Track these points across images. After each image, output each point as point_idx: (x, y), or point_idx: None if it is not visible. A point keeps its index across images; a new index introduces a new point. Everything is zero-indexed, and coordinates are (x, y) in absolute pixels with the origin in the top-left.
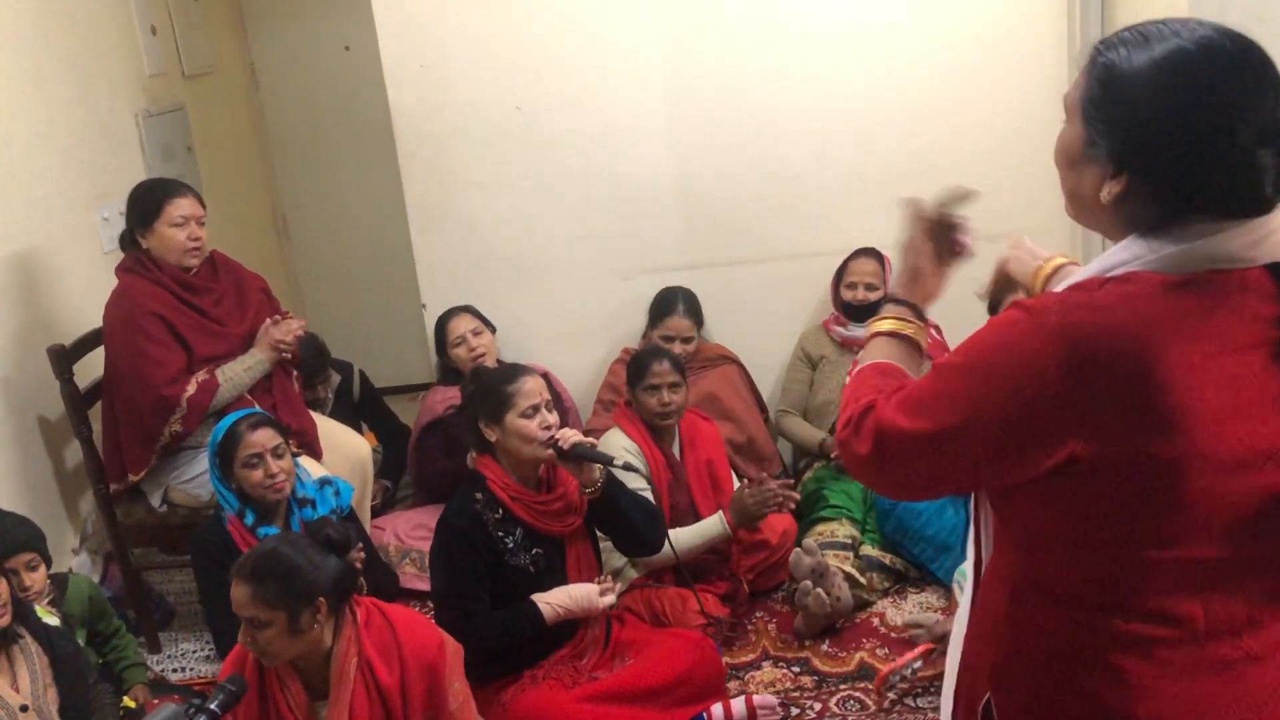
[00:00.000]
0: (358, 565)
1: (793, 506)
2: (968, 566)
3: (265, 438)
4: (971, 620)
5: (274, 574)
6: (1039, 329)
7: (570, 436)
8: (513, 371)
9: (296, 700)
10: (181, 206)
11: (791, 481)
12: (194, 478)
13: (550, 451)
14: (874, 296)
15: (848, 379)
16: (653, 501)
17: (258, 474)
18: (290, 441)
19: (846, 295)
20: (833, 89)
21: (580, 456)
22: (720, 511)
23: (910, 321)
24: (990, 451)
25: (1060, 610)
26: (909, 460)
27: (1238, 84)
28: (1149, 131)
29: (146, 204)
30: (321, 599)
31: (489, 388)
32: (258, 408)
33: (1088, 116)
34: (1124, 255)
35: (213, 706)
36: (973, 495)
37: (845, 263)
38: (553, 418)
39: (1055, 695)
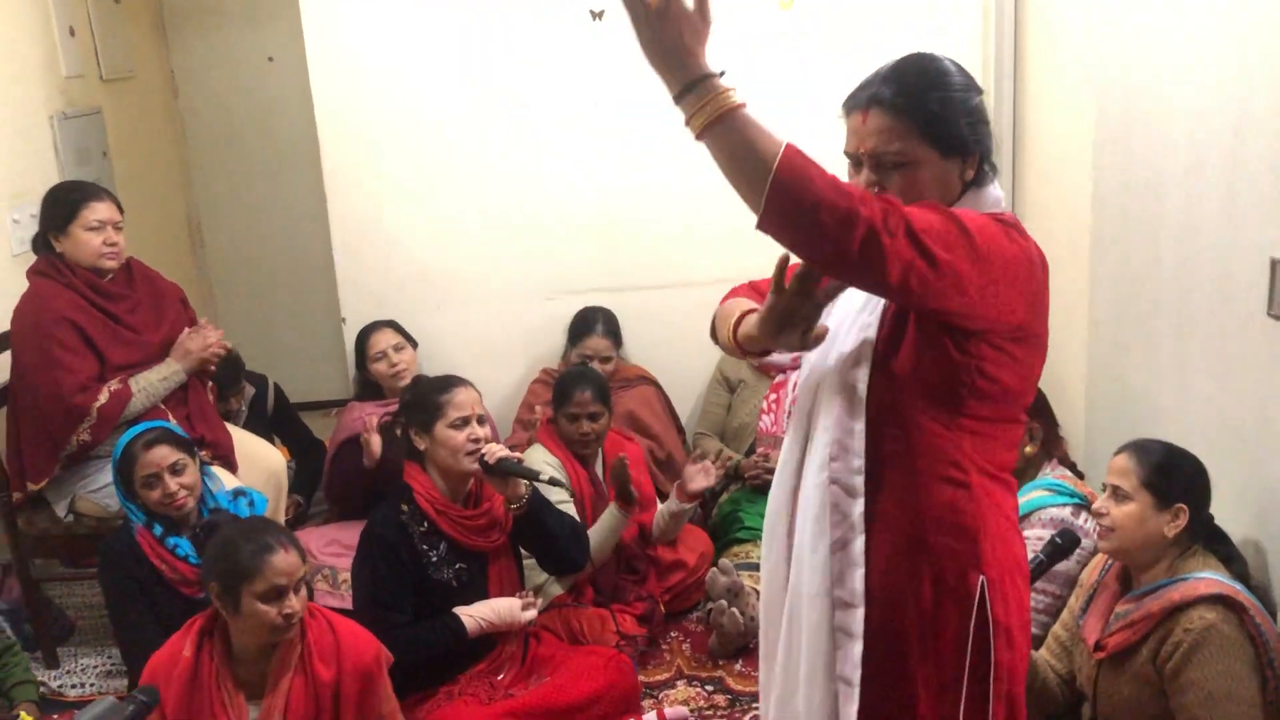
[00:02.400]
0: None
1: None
2: (828, 499)
3: (160, 456)
4: (900, 537)
5: None
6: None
7: (496, 451)
8: (447, 382)
9: (232, 699)
10: (98, 210)
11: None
12: (103, 487)
13: (476, 466)
14: None
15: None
16: (576, 518)
17: (156, 493)
18: (204, 452)
19: None
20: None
21: (506, 471)
22: (611, 505)
23: (726, 89)
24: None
25: (1000, 482)
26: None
27: (961, 69)
28: (979, 114)
29: (62, 206)
30: None
31: (422, 396)
32: (161, 422)
33: (940, 137)
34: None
35: (125, 717)
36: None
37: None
38: (482, 431)
39: (1014, 551)
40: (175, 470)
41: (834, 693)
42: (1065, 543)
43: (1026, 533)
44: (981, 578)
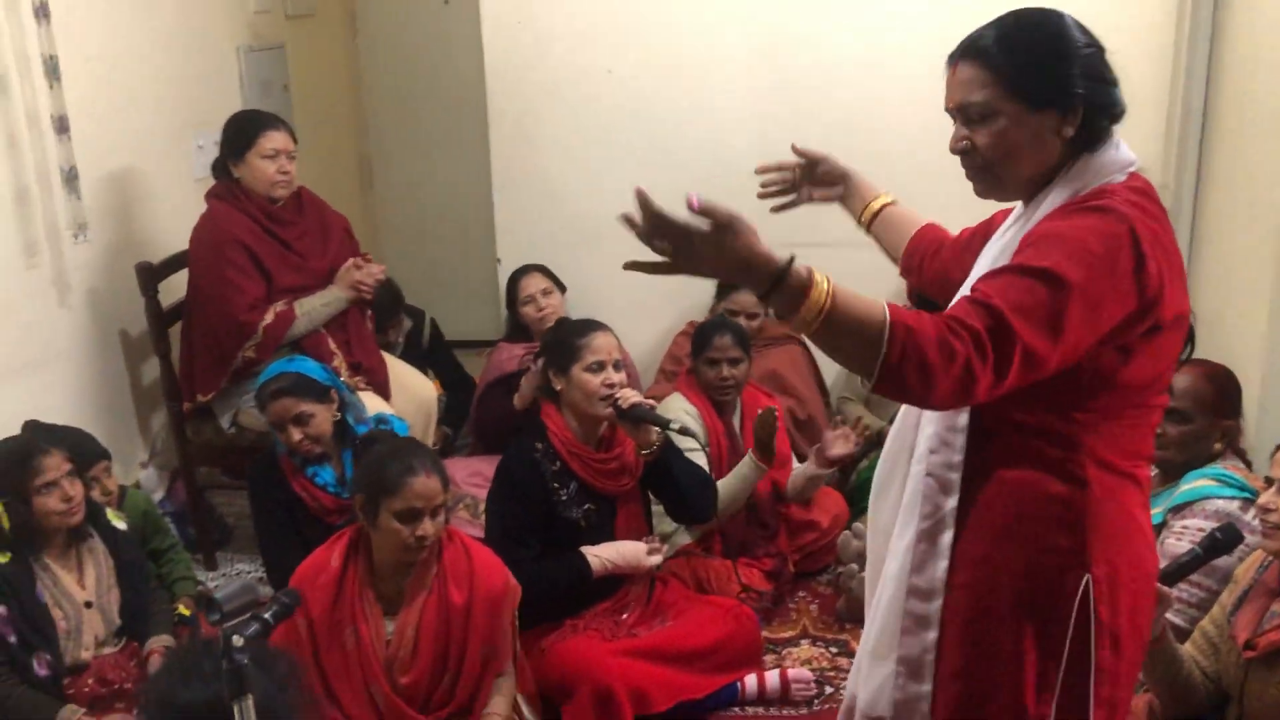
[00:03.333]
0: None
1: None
2: (923, 490)
3: (283, 408)
4: (997, 535)
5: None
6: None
7: (630, 397)
8: (586, 326)
9: (371, 609)
10: (274, 140)
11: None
12: None
13: (610, 410)
14: None
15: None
16: (707, 470)
17: (283, 438)
18: (358, 378)
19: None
20: (930, 79)
21: (638, 418)
22: (749, 453)
23: (822, 282)
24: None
25: (1127, 478)
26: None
27: (1081, 26)
28: (1086, 64)
29: (241, 134)
30: None
31: (561, 338)
32: (298, 365)
33: (1027, 88)
34: (1078, 183)
35: (266, 616)
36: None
37: None
38: (618, 376)
39: (1136, 551)
40: (299, 421)
41: (892, 674)
42: (1225, 539)
43: (1185, 522)
44: (1087, 577)
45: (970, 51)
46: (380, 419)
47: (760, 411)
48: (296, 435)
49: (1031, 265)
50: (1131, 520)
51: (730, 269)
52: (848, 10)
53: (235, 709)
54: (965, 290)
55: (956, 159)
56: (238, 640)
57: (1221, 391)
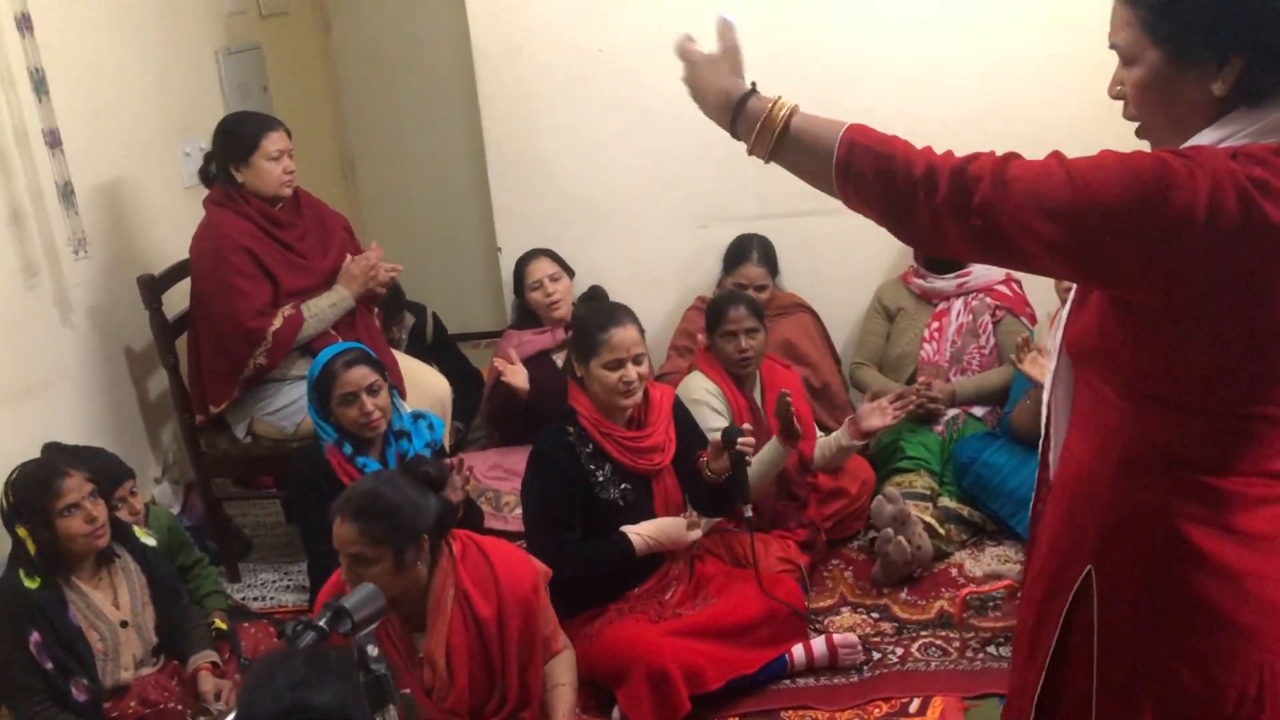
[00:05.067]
0: (458, 499)
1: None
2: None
3: (360, 376)
4: (1052, 501)
5: (380, 512)
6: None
7: (748, 443)
8: (609, 318)
9: (395, 630)
10: (277, 140)
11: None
12: (280, 409)
13: (628, 404)
14: None
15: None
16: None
17: (353, 411)
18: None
19: None
20: (926, 47)
21: (734, 462)
22: (774, 438)
23: (783, 102)
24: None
25: (1171, 474)
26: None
27: None
28: (1246, 4)
29: (243, 138)
30: (425, 536)
31: (585, 327)
32: (352, 343)
33: (1171, 33)
34: (1224, 131)
35: (321, 624)
36: (1051, 376)
37: None
38: (638, 370)
39: (1165, 560)
40: (372, 391)
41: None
42: None
43: None
44: (1088, 568)
45: None
46: (419, 414)
47: (777, 398)
48: (370, 405)
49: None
50: (1174, 533)
51: (704, 104)
52: None
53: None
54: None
55: (947, 123)
56: (373, 650)
57: None
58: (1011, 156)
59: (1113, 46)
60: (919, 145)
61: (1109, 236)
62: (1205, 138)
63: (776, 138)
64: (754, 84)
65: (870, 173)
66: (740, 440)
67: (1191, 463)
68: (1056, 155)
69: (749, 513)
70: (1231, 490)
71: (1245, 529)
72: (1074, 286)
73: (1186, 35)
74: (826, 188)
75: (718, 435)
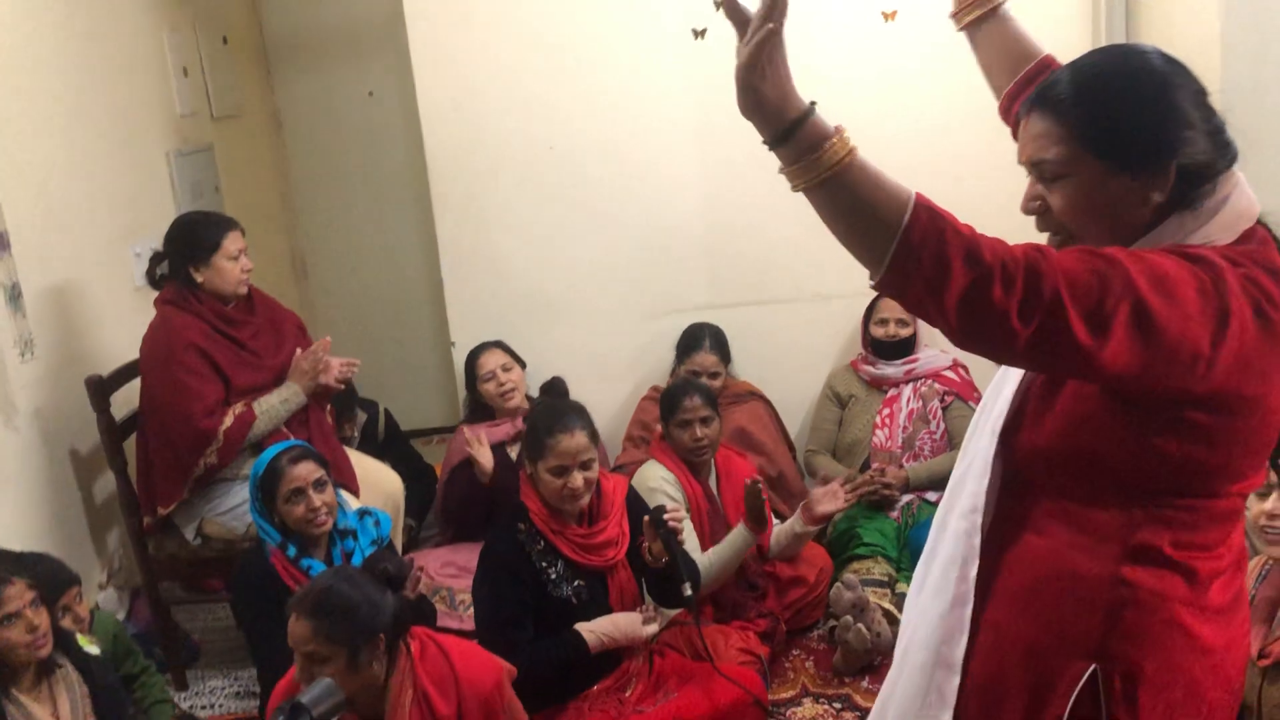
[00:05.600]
0: (412, 597)
1: (770, 473)
2: (960, 553)
3: (307, 471)
4: (1014, 604)
5: (335, 610)
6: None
7: (675, 519)
8: (557, 422)
9: None
10: (236, 240)
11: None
12: (230, 510)
13: (575, 509)
14: (905, 333)
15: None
16: (694, 562)
17: (299, 508)
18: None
19: (877, 332)
20: (860, 134)
21: (666, 544)
22: (740, 524)
23: (846, 139)
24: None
25: (1168, 565)
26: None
27: (1169, 61)
28: (1178, 119)
29: (204, 238)
30: (381, 635)
31: (535, 427)
32: (296, 440)
33: (1111, 145)
34: (1167, 231)
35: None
36: (985, 484)
37: (876, 299)
38: (585, 475)
39: (1168, 649)
40: (318, 486)
41: None
42: None
43: None
44: (1092, 667)
45: (1043, 101)
46: (365, 511)
47: (746, 483)
48: (317, 500)
49: (1103, 251)
50: (1170, 620)
51: (751, 99)
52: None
53: None
54: None
55: None
56: None
57: None
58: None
59: (1032, 163)
60: None
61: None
62: (1149, 240)
63: (826, 174)
64: (814, 103)
65: (947, 253)
66: (666, 515)
67: (1180, 546)
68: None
69: (688, 590)
70: (1203, 569)
71: (1214, 604)
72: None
73: (1119, 147)
74: (861, 245)
75: (687, 529)
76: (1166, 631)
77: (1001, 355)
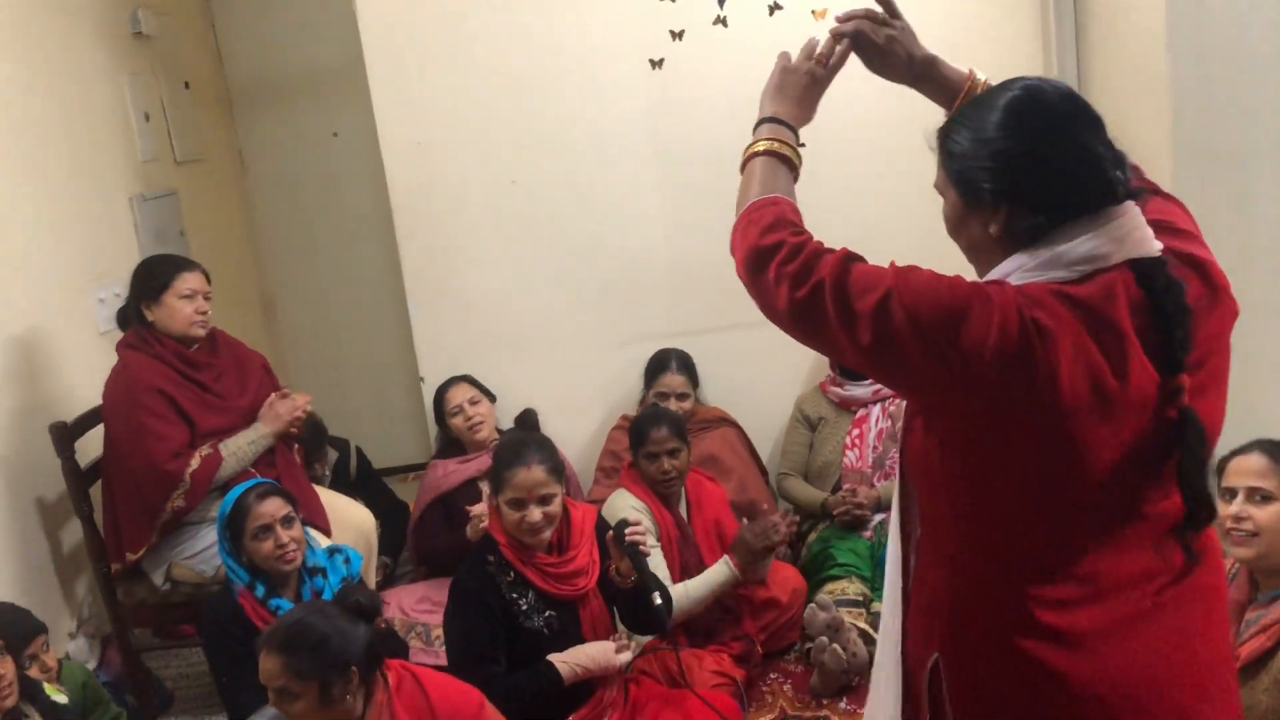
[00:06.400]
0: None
1: (793, 529)
2: (892, 545)
3: (274, 508)
4: (914, 592)
5: (305, 644)
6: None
7: (635, 534)
8: (516, 457)
9: None
10: (190, 280)
11: (794, 518)
12: (198, 553)
13: (538, 544)
14: None
15: (753, 199)
16: (666, 587)
17: (268, 545)
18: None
19: None
20: (818, 160)
21: (632, 558)
22: (725, 557)
23: (792, 146)
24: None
25: (996, 579)
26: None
27: (1061, 105)
28: (1005, 162)
29: (156, 276)
30: (354, 668)
31: (498, 457)
32: (262, 478)
33: (959, 179)
34: (1009, 266)
35: None
36: (898, 480)
37: None
38: (545, 510)
39: (1000, 657)
40: (286, 523)
41: None
42: None
43: None
44: (935, 655)
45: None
46: (334, 549)
47: (752, 525)
48: (285, 537)
49: (892, 267)
50: (992, 630)
51: (778, 92)
52: (736, 106)
53: None
54: None
55: (852, 226)
56: None
57: None
58: (858, 257)
59: (936, 185)
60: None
61: (913, 344)
62: (996, 272)
63: (744, 160)
64: (793, 126)
65: (760, 224)
66: (627, 531)
67: (1010, 568)
68: (897, 267)
69: (658, 599)
70: (1049, 596)
71: (1054, 628)
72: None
73: (969, 183)
74: (737, 209)
75: (657, 557)
76: (986, 640)
77: (770, 314)
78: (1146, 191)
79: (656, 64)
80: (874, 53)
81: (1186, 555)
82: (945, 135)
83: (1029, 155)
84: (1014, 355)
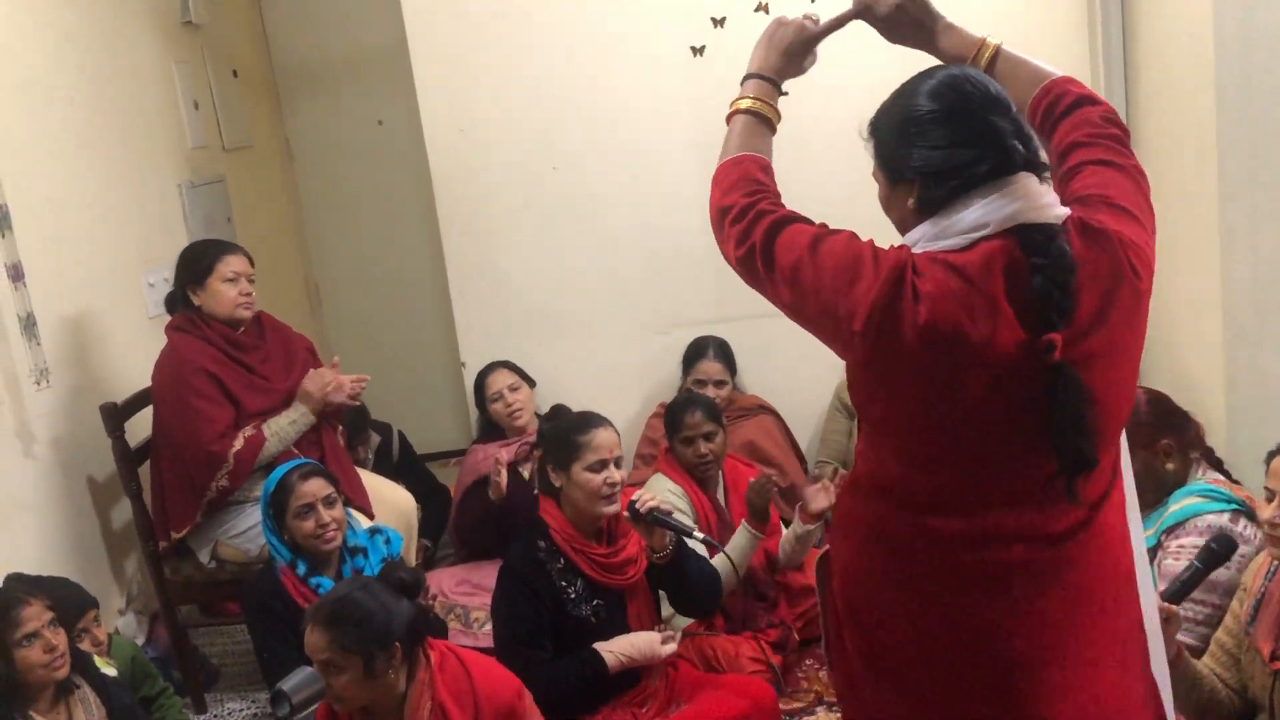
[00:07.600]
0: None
1: (782, 484)
2: None
3: (317, 487)
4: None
5: (350, 619)
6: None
7: (648, 501)
8: (586, 422)
9: None
10: (233, 264)
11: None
12: (243, 532)
13: (609, 510)
14: None
15: (724, 159)
16: (712, 566)
17: (309, 524)
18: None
19: None
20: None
21: (656, 522)
22: (743, 522)
23: (773, 105)
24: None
25: (864, 498)
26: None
27: (967, 85)
28: (912, 137)
29: (200, 261)
30: (397, 643)
31: (562, 433)
32: (307, 459)
33: (882, 160)
34: (915, 236)
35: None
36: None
37: None
38: (619, 474)
39: (860, 557)
40: (328, 503)
41: None
42: (1221, 549)
43: (1180, 541)
44: (824, 549)
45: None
46: (375, 529)
47: (751, 481)
48: (326, 516)
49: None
50: (849, 515)
51: (771, 46)
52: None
53: None
54: None
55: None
56: None
57: (1143, 418)
58: (798, 217)
59: (872, 172)
60: None
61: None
62: (905, 240)
63: (729, 114)
64: (779, 84)
65: (723, 184)
66: (638, 504)
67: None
68: (820, 231)
69: (701, 535)
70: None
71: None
72: None
73: (888, 161)
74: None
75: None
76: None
77: (730, 261)
78: (1089, 164)
79: (698, 51)
80: (882, 23)
81: (1073, 504)
82: (873, 123)
83: (933, 128)
84: (884, 311)
